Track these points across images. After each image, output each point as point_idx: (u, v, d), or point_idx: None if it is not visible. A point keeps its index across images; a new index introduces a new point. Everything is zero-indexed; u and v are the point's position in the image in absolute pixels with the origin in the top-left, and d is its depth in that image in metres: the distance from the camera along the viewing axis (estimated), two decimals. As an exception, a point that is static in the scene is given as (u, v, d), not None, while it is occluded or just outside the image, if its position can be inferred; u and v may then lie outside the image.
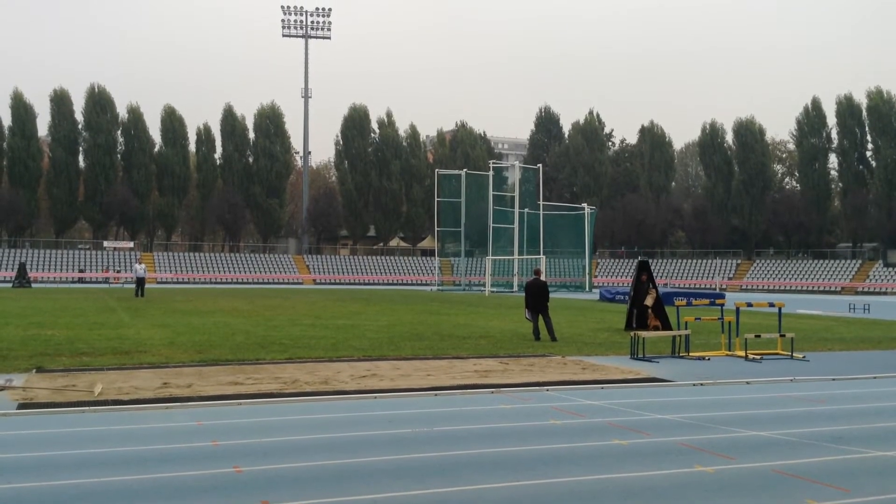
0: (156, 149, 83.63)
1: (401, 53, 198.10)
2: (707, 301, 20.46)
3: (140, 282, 39.15)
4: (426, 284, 74.02)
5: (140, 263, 41.60)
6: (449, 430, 8.46)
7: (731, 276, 77.49)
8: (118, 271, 69.44)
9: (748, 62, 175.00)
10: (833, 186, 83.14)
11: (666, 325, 19.40)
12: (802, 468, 6.91)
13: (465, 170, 68.96)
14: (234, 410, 9.44)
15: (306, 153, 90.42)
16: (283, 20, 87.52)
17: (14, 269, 59.95)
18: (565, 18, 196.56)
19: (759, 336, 15.49)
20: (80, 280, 67.75)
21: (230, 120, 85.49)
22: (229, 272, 76.73)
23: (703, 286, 71.75)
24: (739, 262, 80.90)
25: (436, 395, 10.66)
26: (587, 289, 62.23)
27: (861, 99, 78.02)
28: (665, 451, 7.59)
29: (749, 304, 17.78)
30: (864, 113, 77.55)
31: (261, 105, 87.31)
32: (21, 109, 77.64)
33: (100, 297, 37.95)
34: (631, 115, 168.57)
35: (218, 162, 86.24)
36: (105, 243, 79.13)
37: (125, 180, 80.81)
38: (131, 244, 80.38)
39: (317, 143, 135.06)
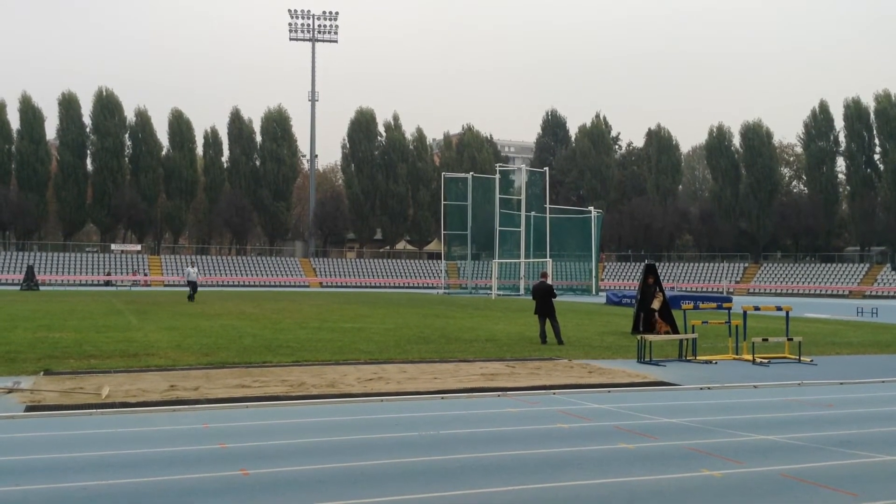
0: (163, 152, 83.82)
1: (407, 57, 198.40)
2: (714, 304, 20.51)
3: (192, 286, 37.80)
4: (433, 287, 74.00)
5: (193, 267, 39.46)
6: (455, 434, 8.46)
7: (738, 279, 77.30)
8: (145, 275, 70.78)
9: (755, 65, 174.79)
10: (841, 190, 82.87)
11: (674, 329, 19.35)
12: (810, 472, 6.89)
13: (471, 173, 68.95)
14: (241, 413, 9.46)
15: (313, 156, 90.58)
16: (290, 24, 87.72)
17: (22, 271, 60.20)
18: (572, 22, 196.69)
19: (766, 340, 15.46)
20: (108, 283, 68.02)
21: (237, 123, 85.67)
22: (236, 275, 76.86)
23: (710, 290, 71.61)
24: (747, 265, 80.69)
25: (442, 398, 10.66)
26: (594, 292, 62.15)
27: (869, 102, 77.87)
28: (672, 455, 7.57)
29: (756, 308, 17.76)
30: (872, 116, 77.30)
31: (268, 108, 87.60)
32: (29, 113, 77.90)
33: (107, 300, 38.07)
34: (638, 119, 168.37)
35: (225, 165, 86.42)
36: (113, 246, 79.38)
37: (133, 183, 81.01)
38: (139, 247, 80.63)
39: (323, 147, 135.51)
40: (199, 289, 40.95)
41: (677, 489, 6.40)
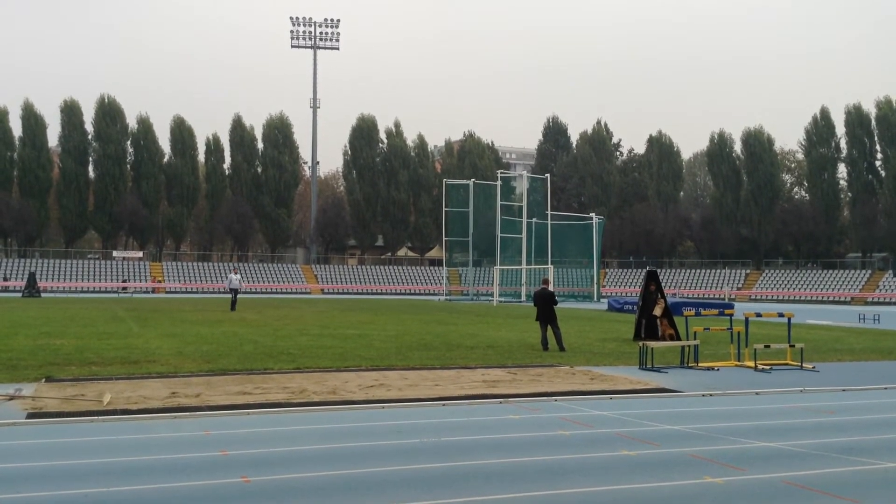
0: (165, 159, 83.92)
1: (409, 64, 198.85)
2: (716, 311, 20.42)
3: (234, 293, 35.28)
4: (434, 294, 73.99)
5: (235, 273, 36.53)
6: (457, 441, 8.45)
7: (739, 286, 77.21)
8: (160, 281, 72.21)
9: (756, 71, 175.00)
10: (842, 196, 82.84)
11: (675, 335, 19.31)
12: (812, 479, 6.88)
13: (472, 180, 69.00)
14: (242, 420, 9.45)
15: (314, 163, 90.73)
16: (291, 31, 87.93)
17: (24, 278, 60.23)
18: (572, 28, 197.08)
19: (768, 346, 15.42)
20: (124, 290, 68.21)
21: (239, 130, 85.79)
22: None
23: (711, 296, 71.50)
24: (748, 272, 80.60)
25: (444, 405, 10.64)
26: (595, 299, 62.11)
27: (870, 108, 77.86)
28: (674, 461, 7.56)
29: (758, 315, 17.72)
30: (873, 122, 77.29)
31: (269, 115, 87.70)
32: (31, 120, 78.03)
33: (109, 307, 38.07)
34: (639, 125, 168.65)
35: (227, 172, 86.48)
36: (114, 253, 79.39)
37: (134, 190, 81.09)
38: (140, 254, 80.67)
39: (325, 153, 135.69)
40: (208, 296, 40.30)
41: (679, 496, 6.39)
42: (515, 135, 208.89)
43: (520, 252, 60.66)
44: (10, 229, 76.17)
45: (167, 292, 70.53)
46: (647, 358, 14.88)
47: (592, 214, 67.87)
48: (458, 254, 72.33)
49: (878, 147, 77.86)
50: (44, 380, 12.18)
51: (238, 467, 7.12)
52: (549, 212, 63.72)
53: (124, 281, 71.08)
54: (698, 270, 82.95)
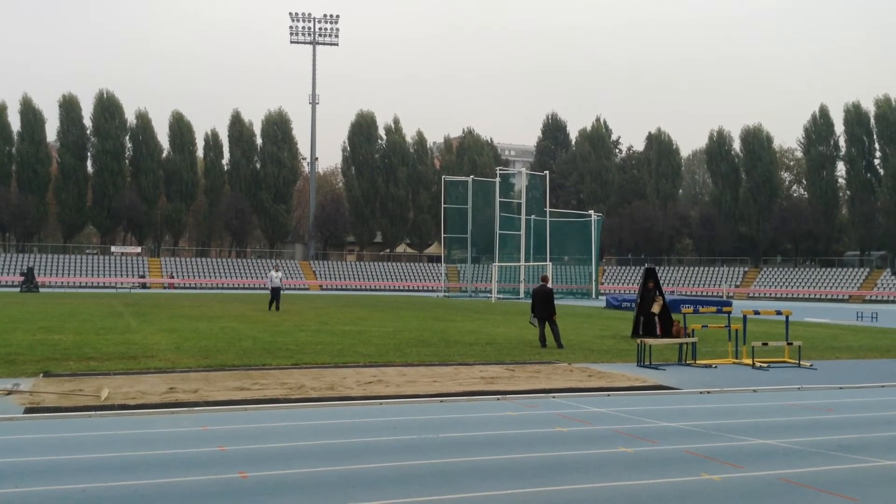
0: (164, 154, 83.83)
1: (408, 60, 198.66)
2: (714, 309, 20.50)
3: (274, 292, 32.19)
4: (432, 291, 73.98)
5: (277, 271, 33.11)
6: (454, 437, 8.45)
7: (738, 283, 77.27)
8: (171, 276, 73.37)
9: (755, 70, 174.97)
10: (841, 194, 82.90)
11: (667, 333, 19.26)
12: (810, 477, 6.88)
13: (471, 176, 69.02)
14: (240, 416, 9.45)
15: (313, 159, 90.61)
16: (291, 27, 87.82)
17: (23, 273, 60.18)
18: (573, 26, 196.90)
19: (766, 344, 15.43)
20: (143, 286, 68.23)
21: (238, 126, 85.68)
22: (236, 277, 76.85)
23: (710, 294, 71.55)
24: (747, 269, 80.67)
25: (441, 401, 10.64)
26: (594, 296, 62.14)
27: (869, 107, 77.94)
28: (671, 459, 7.57)
29: (756, 312, 17.74)
30: (872, 121, 77.35)
31: (268, 111, 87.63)
32: (30, 115, 77.93)
33: (107, 303, 38.04)
34: (638, 123, 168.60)
35: (225, 168, 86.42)
36: (113, 248, 79.36)
37: (133, 186, 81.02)
38: (139, 249, 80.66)
39: (324, 150, 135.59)
40: (207, 291, 40.36)
41: (676, 493, 6.39)
42: (515, 132, 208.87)
43: (518, 249, 60.68)
44: (8, 224, 76.13)
45: (164, 288, 70.47)
46: (645, 355, 14.89)
47: (591, 212, 67.90)
48: (456, 250, 72.36)
49: (876, 145, 77.96)
50: (41, 375, 12.17)
51: (236, 463, 7.12)
52: (547, 209, 63.75)
53: (142, 276, 71.20)
54: (697, 268, 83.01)
